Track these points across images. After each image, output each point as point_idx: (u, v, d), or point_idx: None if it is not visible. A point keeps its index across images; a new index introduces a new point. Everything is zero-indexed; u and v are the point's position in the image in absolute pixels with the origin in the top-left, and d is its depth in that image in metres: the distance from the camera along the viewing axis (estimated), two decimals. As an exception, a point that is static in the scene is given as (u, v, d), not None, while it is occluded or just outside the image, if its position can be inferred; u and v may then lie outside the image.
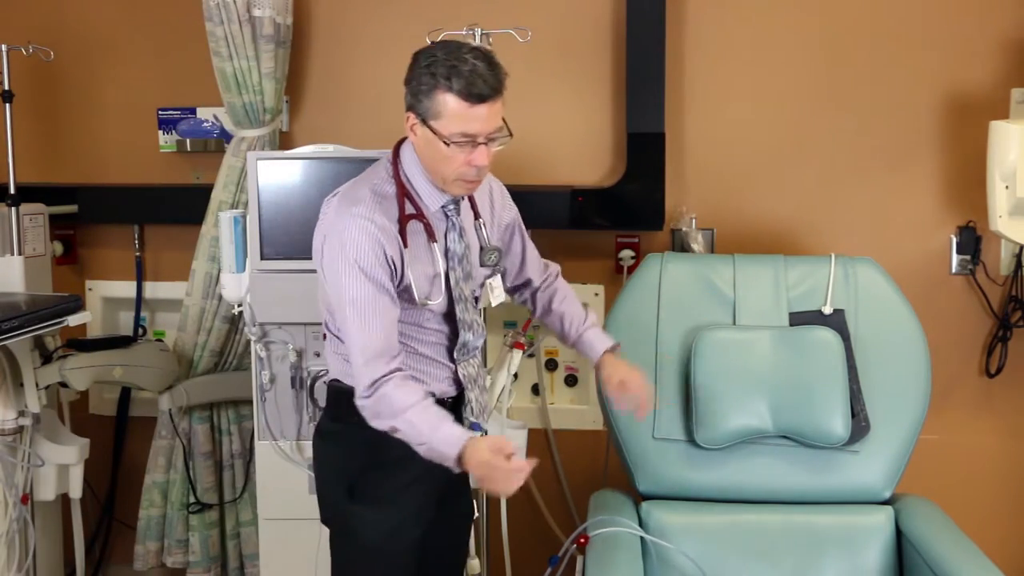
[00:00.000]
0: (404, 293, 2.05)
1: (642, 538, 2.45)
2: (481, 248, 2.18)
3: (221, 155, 3.21)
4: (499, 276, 2.23)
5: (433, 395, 2.09)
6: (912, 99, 3.09)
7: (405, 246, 2.02)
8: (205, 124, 3.39)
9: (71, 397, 3.17)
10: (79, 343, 2.96)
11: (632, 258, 3.20)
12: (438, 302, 2.08)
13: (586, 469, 3.27)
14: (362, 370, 1.99)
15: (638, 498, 2.62)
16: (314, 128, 3.33)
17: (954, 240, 3.11)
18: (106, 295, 3.51)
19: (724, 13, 3.14)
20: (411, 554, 2.14)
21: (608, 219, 3.15)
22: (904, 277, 2.78)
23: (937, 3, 3.06)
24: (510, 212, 2.31)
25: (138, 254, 3.46)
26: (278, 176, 2.67)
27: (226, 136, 3.28)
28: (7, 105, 3.06)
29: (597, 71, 3.20)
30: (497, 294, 2.22)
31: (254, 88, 3.11)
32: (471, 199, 2.18)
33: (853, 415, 2.53)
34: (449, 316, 2.12)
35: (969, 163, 3.03)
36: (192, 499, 3.19)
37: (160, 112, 3.40)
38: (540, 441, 3.31)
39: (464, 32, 2.64)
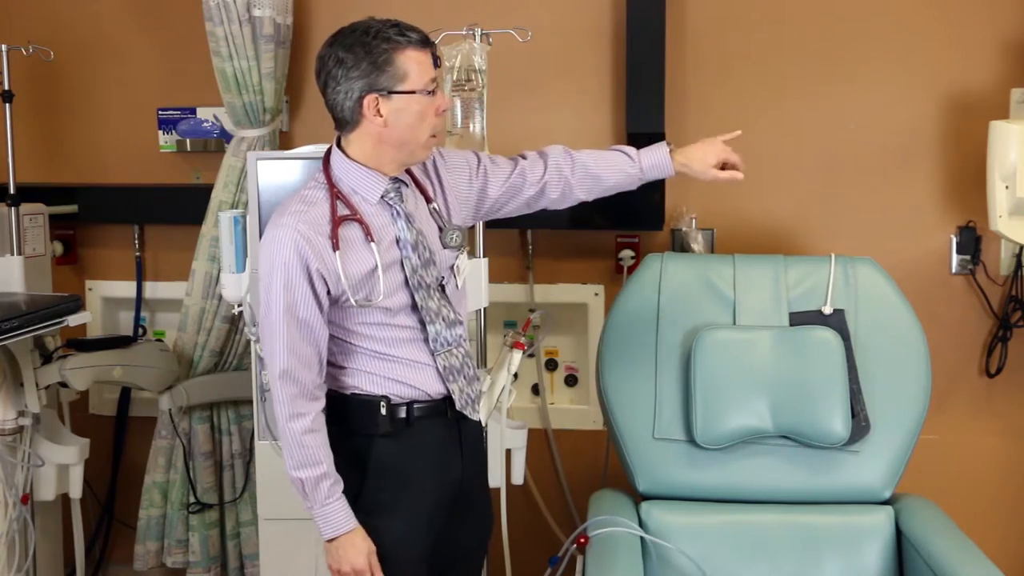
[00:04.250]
0: (343, 299, 2.02)
1: (642, 538, 2.45)
2: (440, 230, 2.14)
3: (221, 155, 3.21)
4: (464, 255, 2.19)
5: (428, 395, 2.10)
6: (912, 99, 3.09)
7: (336, 248, 1.99)
8: (205, 124, 3.39)
9: (71, 397, 3.17)
10: (79, 343, 2.96)
11: (632, 258, 3.20)
12: (392, 299, 2.04)
13: (586, 469, 3.27)
14: (282, 383, 2.00)
15: (638, 498, 2.62)
16: (314, 128, 3.33)
17: (954, 240, 3.11)
18: (106, 295, 3.52)
19: (724, 13, 3.14)
20: (420, 563, 2.12)
21: (608, 219, 3.15)
22: (904, 277, 2.78)
23: (937, 3, 3.06)
24: (459, 165, 2.22)
25: (138, 254, 3.46)
26: (278, 176, 2.67)
27: (226, 136, 3.28)
28: (7, 105, 3.06)
29: (597, 71, 3.20)
30: (463, 274, 2.18)
31: (254, 88, 3.11)
32: (419, 185, 2.15)
33: (853, 415, 2.53)
34: (414, 308, 2.08)
35: (969, 163, 3.03)
36: (192, 499, 3.19)
37: (160, 112, 3.40)
38: (540, 441, 3.31)
39: (464, 32, 2.64)
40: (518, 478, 2.79)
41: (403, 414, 2.09)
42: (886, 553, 2.49)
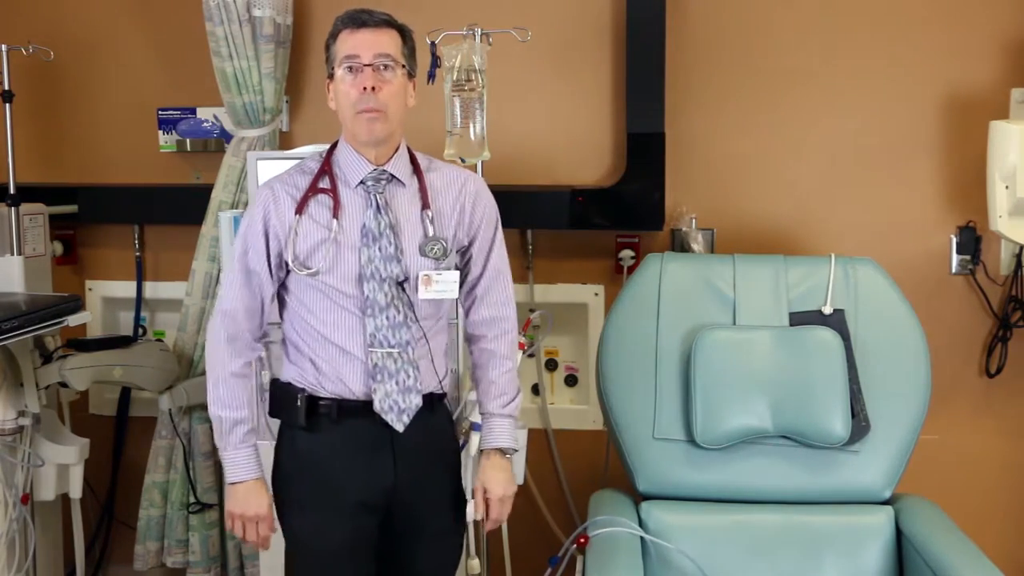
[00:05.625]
0: (292, 261, 2.09)
1: (642, 538, 2.45)
2: (424, 236, 2.13)
3: (221, 155, 3.21)
4: (447, 273, 2.14)
5: (352, 392, 2.10)
6: (912, 99, 3.09)
7: (298, 212, 2.09)
8: (205, 124, 3.39)
9: (71, 397, 3.17)
10: (79, 343, 2.96)
11: (632, 258, 3.20)
12: (343, 280, 2.08)
13: (586, 469, 3.27)
14: (220, 322, 2.13)
15: (638, 498, 2.62)
16: (314, 128, 3.34)
17: (954, 240, 3.11)
18: (106, 295, 3.51)
19: (724, 13, 3.14)
20: (339, 556, 2.12)
21: (608, 219, 3.15)
22: (904, 277, 2.78)
23: (937, 3, 3.07)
24: (485, 227, 2.22)
25: (138, 254, 3.46)
26: (278, 176, 2.67)
27: (226, 136, 3.28)
28: (7, 105, 3.06)
29: (597, 71, 3.20)
30: (436, 288, 2.12)
31: (254, 88, 3.11)
32: (422, 189, 2.16)
33: (853, 415, 2.53)
34: (361, 297, 2.09)
35: (969, 163, 3.03)
36: (192, 499, 3.19)
37: (160, 112, 3.40)
38: (540, 441, 3.31)
39: (464, 32, 2.64)
40: (518, 478, 2.79)
41: (324, 409, 2.12)
42: (886, 553, 2.49)
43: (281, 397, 2.16)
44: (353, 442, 2.12)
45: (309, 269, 2.08)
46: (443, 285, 2.14)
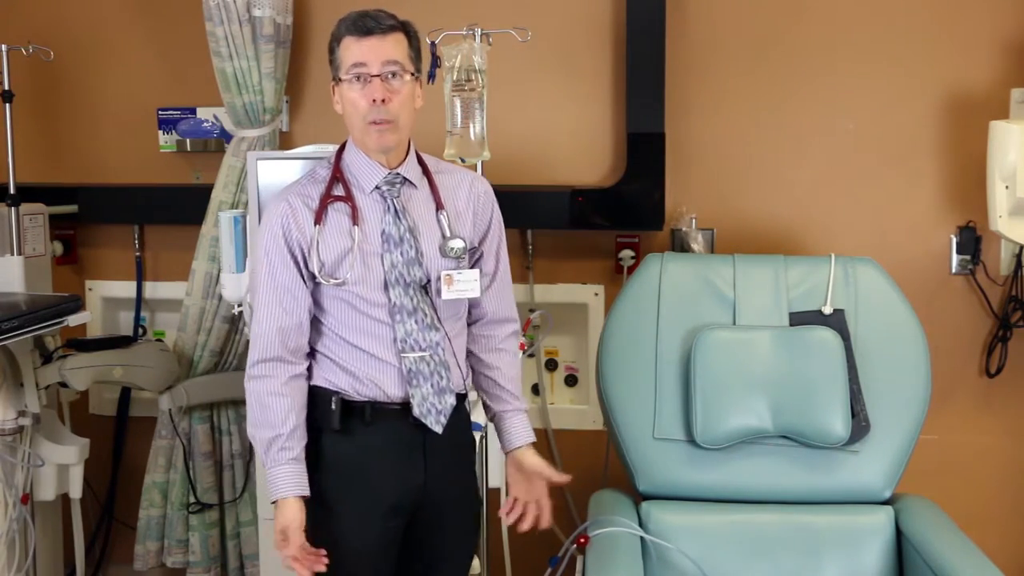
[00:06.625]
0: (318, 273, 2.07)
1: (642, 538, 2.45)
2: (443, 237, 2.14)
3: (221, 155, 3.21)
4: (467, 272, 2.15)
5: (387, 396, 2.09)
6: (912, 99, 3.09)
7: (317, 223, 2.07)
8: (205, 124, 3.39)
9: (71, 397, 3.17)
10: (79, 343, 2.96)
11: (632, 258, 3.20)
12: (367, 287, 2.07)
13: (586, 469, 3.27)
14: (253, 345, 2.09)
15: (638, 498, 2.62)
16: (314, 128, 3.34)
17: (954, 240, 3.11)
18: (106, 295, 3.52)
19: (724, 13, 3.14)
20: (367, 557, 2.12)
21: (608, 219, 3.15)
22: (904, 277, 2.78)
23: (937, 3, 3.07)
24: (495, 226, 2.24)
25: (138, 254, 3.46)
26: (278, 176, 2.67)
27: (226, 136, 3.28)
28: (7, 105, 3.06)
29: (597, 71, 3.20)
30: (458, 288, 2.13)
31: (254, 88, 3.11)
32: (434, 190, 2.16)
33: (853, 415, 2.53)
34: (388, 303, 2.09)
35: (969, 163, 3.04)
36: (192, 499, 3.19)
37: (160, 112, 3.40)
38: (540, 441, 3.28)
39: (464, 32, 2.64)
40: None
41: (358, 412, 2.10)
42: (886, 553, 2.49)
43: (312, 401, 2.12)
44: (385, 444, 2.11)
45: (337, 280, 2.07)
46: (464, 284, 2.15)
